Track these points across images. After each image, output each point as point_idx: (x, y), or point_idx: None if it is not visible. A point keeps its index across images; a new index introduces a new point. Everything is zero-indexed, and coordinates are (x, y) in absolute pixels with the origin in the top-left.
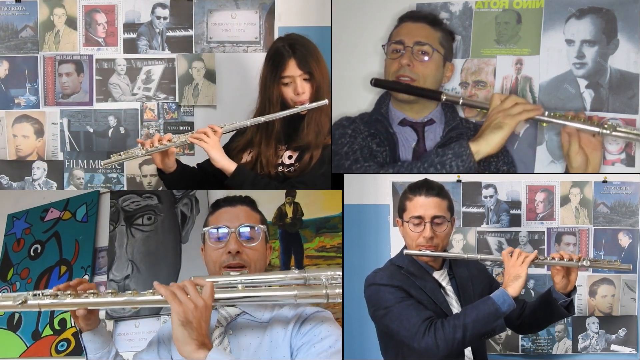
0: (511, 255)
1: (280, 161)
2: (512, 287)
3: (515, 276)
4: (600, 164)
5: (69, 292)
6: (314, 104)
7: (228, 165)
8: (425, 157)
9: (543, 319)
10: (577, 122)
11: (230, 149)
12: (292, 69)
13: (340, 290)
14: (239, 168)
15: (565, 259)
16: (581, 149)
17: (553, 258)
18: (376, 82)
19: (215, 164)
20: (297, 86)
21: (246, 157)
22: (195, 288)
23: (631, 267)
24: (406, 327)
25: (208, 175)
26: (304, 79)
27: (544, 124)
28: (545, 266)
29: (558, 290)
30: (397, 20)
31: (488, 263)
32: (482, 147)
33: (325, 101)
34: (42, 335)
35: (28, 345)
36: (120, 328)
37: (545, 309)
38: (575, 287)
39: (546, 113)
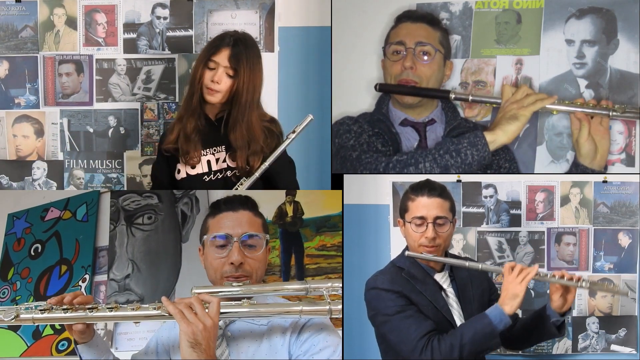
0: (512, 270)
1: (225, 165)
2: (510, 305)
3: (513, 295)
4: (608, 151)
5: (64, 306)
6: (302, 126)
7: None
8: (441, 144)
9: (533, 335)
10: (587, 107)
11: (164, 137)
12: (222, 58)
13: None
14: None
15: (565, 278)
16: (590, 135)
17: (554, 275)
18: (381, 88)
19: None
20: (216, 74)
21: (171, 134)
22: (202, 306)
23: (628, 294)
24: (404, 341)
25: None
26: (227, 73)
27: (555, 112)
28: (546, 264)
29: (553, 309)
30: (394, 20)
31: (488, 263)
32: (499, 137)
33: (310, 116)
34: (42, 335)
35: (28, 345)
36: (121, 327)
37: (537, 325)
38: (570, 309)
39: (556, 100)
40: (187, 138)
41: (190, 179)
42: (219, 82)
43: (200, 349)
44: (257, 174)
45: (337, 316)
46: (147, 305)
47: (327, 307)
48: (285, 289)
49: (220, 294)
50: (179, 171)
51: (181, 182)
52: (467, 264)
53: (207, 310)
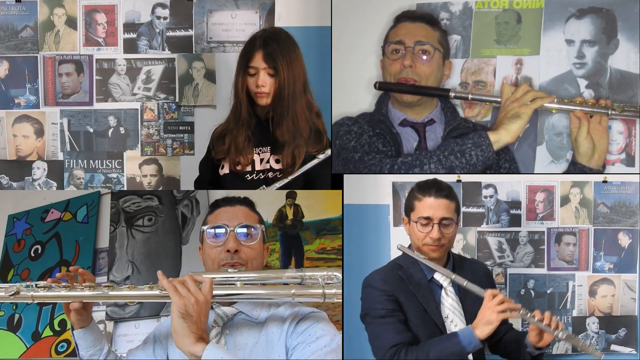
0: (493, 297)
1: (268, 166)
2: (481, 330)
3: (487, 321)
4: (606, 150)
5: (64, 284)
6: (313, 162)
7: None
8: (445, 145)
9: (512, 355)
10: (586, 106)
11: (211, 141)
12: (258, 61)
13: (337, 290)
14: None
15: (543, 322)
16: (589, 134)
17: (533, 316)
18: (380, 86)
19: None
20: (259, 78)
21: (224, 143)
22: (195, 283)
23: (602, 357)
24: (377, 346)
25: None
26: (268, 74)
27: (554, 111)
28: (546, 264)
29: (530, 342)
30: (393, 20)
31: (488, 263)
32: (503, 136)
33: (328, 153)
34: (42, 336)
35: (28, 346)
36: (120, 329)
37: (516, 348)
38: (548, 346)
39: (555, 100)
40: (238, 149)
41: (233, 176)
42: (264, 85)
43: (191, 320)
44: (277, 185)
45: (331, 300)
46: (142, 286)
47: (321, 290)
48: (280, 277)
49: (216, 279)
50: (222, 167)
51: (223, 178)
52: (452, 276)
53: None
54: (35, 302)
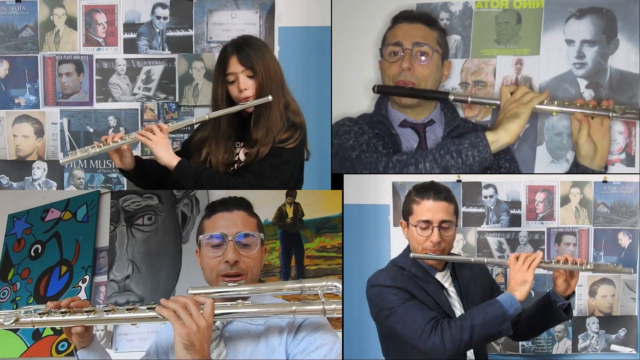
0: (517, 260)
1: (236, 158)
2: (519, 291)
3: (522, 281)
4: (608, 151)
5: (62, 310)
6: (257, 101)
7: (170, 160)
8: (442, 144)
9: (541, 323)
10: (586, 108)
11: (190, 144)
12: (234, 66)
13: (337, 306)
14: (181, 162)
15: (569, 263)
16: (590, 137)
17: (558, 261)
18: (379, 89)
19: (159, 161)
20: (239, 82)
21: (201, 154)
22: (197, 307)
23: (632, 271)
24: (411, 327)
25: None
26: (248, 76)
27: (554, 113)
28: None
29: (558, 294)
30: (390, 21)
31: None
32: (502, 136)
33: (269, 98)
34: (42, 336)
35: (28, 346)
36: (121, 328)
37: (543, 313)
38: (574, 292)
39: (555, 102)
40: (220, 162)
41: (210, 167)
42: (246, 87)
43: (194, 350)
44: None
45: (331, 315)
46: (143, 307)
47: (321, 307)
48: (280, 289)
49: (215, 294)
50: (200, 156)
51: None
52: (472, 259)
53: (201, 312)
54: (36, 327)
